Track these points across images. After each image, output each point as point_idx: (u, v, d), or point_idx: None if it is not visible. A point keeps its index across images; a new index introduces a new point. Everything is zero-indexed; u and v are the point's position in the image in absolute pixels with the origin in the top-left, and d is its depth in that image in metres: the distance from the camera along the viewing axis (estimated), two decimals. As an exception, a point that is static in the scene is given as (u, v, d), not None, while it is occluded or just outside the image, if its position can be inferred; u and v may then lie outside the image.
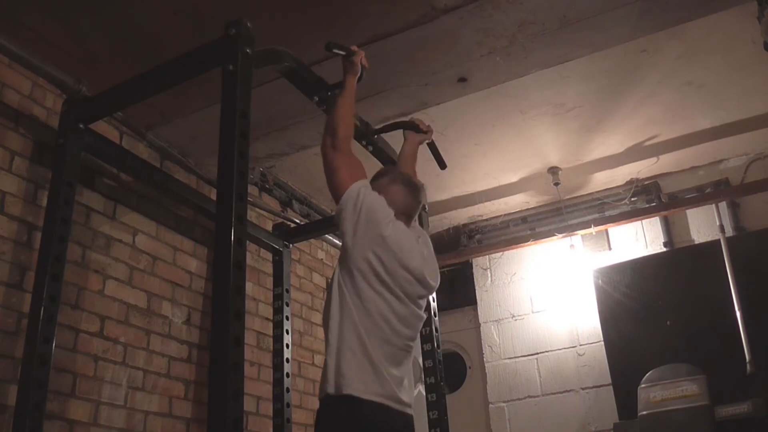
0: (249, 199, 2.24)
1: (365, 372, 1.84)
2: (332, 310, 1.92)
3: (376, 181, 2.09)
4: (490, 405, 4.36)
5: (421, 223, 2.84)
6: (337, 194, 1.96)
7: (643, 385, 3.56)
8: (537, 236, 4.40)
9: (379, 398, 1.83)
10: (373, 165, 2.43)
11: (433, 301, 2.96)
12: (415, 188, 2.14)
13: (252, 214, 3.50)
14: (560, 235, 4.29)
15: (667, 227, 4.18)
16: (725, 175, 4.09)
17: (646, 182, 4.27)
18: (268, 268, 3.60)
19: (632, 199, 4.26)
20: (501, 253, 4.60)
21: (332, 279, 1.99)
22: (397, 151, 2.65)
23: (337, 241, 4.26)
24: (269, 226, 3.65)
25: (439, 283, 2.13)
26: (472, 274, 4.70)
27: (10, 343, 2.28)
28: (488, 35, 2.59)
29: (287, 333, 3.38)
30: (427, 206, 3.08)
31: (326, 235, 4.13)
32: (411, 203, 2.11)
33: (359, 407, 1.81)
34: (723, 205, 3.99)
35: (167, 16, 2.45)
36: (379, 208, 1.95)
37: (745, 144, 3.94)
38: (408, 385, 1.98)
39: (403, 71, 2.78)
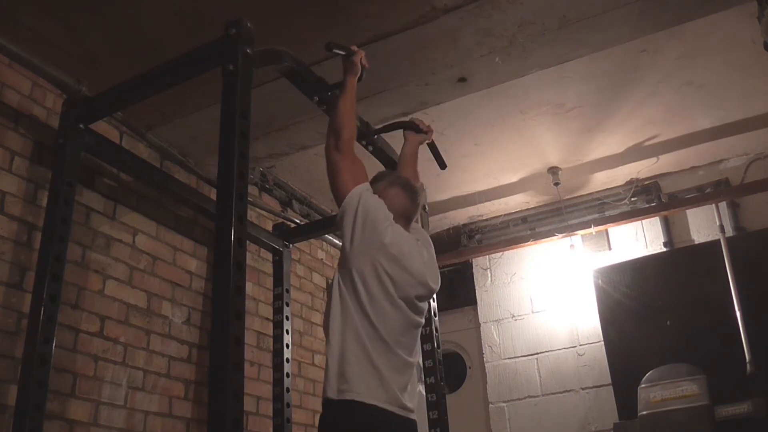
0: (249, 199, 2.23)
1: (368, 376, 1.83)
2: (333, 314, 1.91)
3: (373, 185, 2.07)
4: (490, 405, 4.36)
5: (421, 224, 2.84)
6: (338, 197, 1.96)
7: (643, 385, 3.56)
8: (537, 236, 4.40)
9: (382, 403, 1.82)
10: (373, 165, 2.43)
11: (433, 301, 2.96)
12: (413, 191, 2.14)
13: (252, 214, 3.50)
14: (560, 235, 4.29)
15: (667, 227, 4.18)
16: (725, 175, 4.09)
17: (646, 182, 4.27)
18: (268, 268, 3.60)
19: (632, 199, 4.26)
20: (501, 253, 4.60)
21: (332, 282, 1.98)
22: (398, 152, 2.65)
23: (337, 241, 4.26)
24: (269, 226, 3.65)
25: (439, 285, 2.13)
26: (472, 274, 4.70)
27: (10, 343, 2.28)
28: (488, 35, 2.59)
29: (287, 333, 3.37)
30: (427, 206, 3.07)
31: (326, 235, 4.13)
32: (409, 206, 2.11)
33: (362, 412, 1.80)
34: (723, 205, 3.99)
35: (167, 16, 2.45)
36: (380, 213, 1.95)
37: (745, 144, 3.94)
38: (411, 391, 1.97)
39: (403, 71, 2.78)
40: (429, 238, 2.26)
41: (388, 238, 1.92)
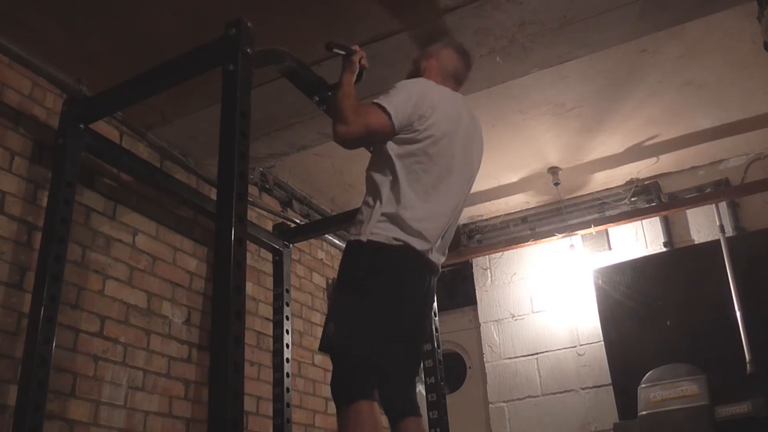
0: (249, 199, 2.23)
1: (399, 230, 1.86)
2: (376, 170, 1.96)
3: (428, 48, 2.24)
4: (490, 405, 4.36)
5: None
6: (386, 130, 1.95)
7: (643, 385, 3.56)
8: (537, 236, 4.40)
9: (405, 241, 1.86)
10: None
11: (433, 301, 2.96)
12: (466, 54, 2.28)
13: (252, 214, 3.50)
14: (560, 235, 4.29)
15: (667, 227, 4.18)
16: (725, 175, 4.09)
17: (646, 182, 4.27)
18: (268, 268, 3.60)
19: (632, 199, 4.26)
20: (501, 253, 4.60)
21: (373, 152, 2.06)
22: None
23: (337, 242, 4.27)
24: (269, 226, 3.65)
25: (481, 157, 2.27)
26: (472, 274, 4.70)
27: (10, 343, 2.28)
28: (488, 35, 2.59)
29: (287, 333, 3.38)
30: None
31: (326, 235, 4.13)
32: (460, 67, 2.24)
33: (385, 248, 1.83)
34: (723, 205, 3.99)
35: (167, 17, 2.45)
36: (416, 96, 1.98)
37: (745, 144, 3.94)
38: (443, 244, 2.03)
39: (403, 71, 2.77)
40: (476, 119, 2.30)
41: (436, 98, 2.00)
